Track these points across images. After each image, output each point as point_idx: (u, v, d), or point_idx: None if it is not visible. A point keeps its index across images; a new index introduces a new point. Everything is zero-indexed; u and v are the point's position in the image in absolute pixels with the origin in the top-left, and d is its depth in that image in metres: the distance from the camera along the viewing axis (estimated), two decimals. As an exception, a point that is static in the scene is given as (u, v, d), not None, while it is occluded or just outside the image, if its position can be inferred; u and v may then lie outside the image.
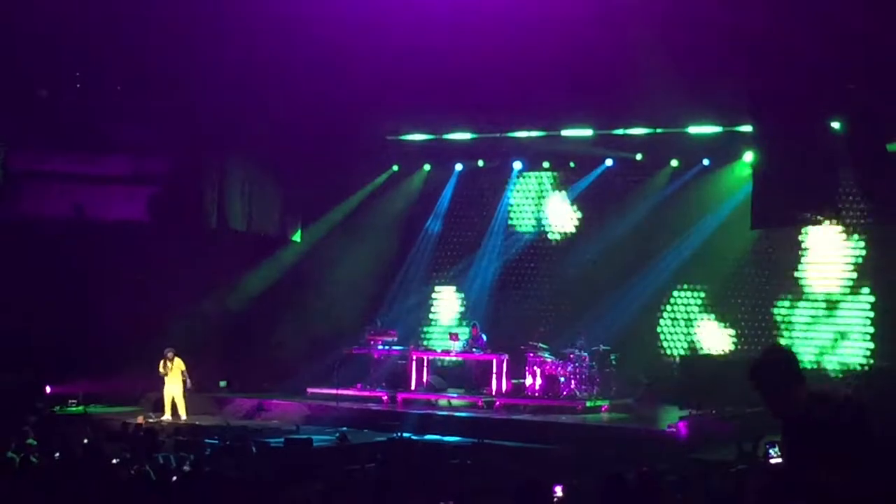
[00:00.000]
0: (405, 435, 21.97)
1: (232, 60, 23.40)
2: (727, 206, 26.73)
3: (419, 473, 16.44)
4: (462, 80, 23.43)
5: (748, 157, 25.16)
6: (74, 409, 26.18)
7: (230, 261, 28.50)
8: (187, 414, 25.46)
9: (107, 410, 26.30)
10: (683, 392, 23.27)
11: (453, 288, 30.42)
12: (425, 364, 27.06)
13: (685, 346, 27.41)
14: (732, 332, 26.80)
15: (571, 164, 28.92)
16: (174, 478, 14.29)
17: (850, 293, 25.51)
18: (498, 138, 28.69)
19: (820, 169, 21.99)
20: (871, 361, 24.44)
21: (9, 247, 26.19)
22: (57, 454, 16.20)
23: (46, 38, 23.20)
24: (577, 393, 25.44)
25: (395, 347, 27.57)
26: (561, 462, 18.08)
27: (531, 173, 29.84)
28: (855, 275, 25.49)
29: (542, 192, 29.84)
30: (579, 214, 29.21)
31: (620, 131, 27.28)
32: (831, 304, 25.72)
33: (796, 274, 26.17)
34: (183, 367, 25.56)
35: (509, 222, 30.00)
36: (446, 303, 30.58)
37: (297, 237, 30.51)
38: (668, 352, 27.54)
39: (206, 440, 20.38)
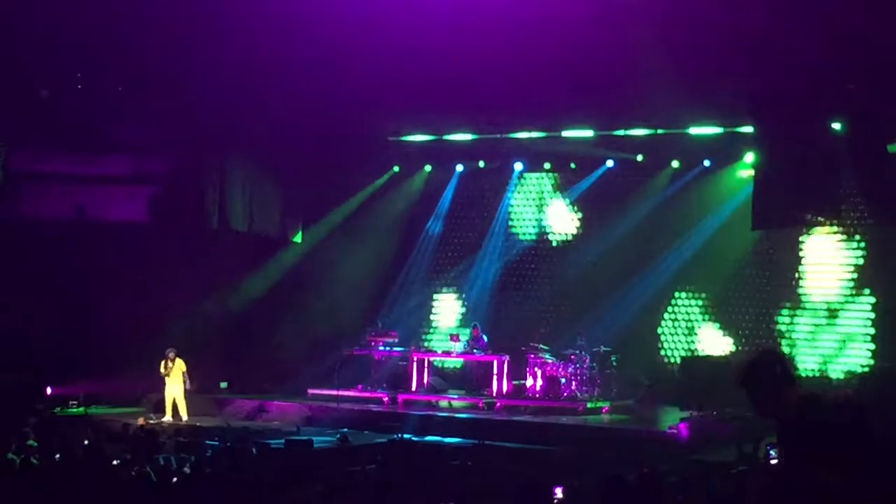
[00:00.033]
0: (406, 436, 21.96)
1: (232, 60, 23.38)
2: (728, 207, 26.72)
3: (420, 475, 16.43)
4: (462, 80, 23.41)
5: (749, 157, 25.15)
6: (75, 410, 26.19)
7: (231, 261, 28.50)
8: (188, 415, 25.46)
9: (107, 411, 26.30)
10: (684, 393, 23.24)
11: (454, 295, 30.32)
12: (426, 365, 27.05)
13: (686, 348, 27.36)
14: (733, 333, 26.76)
15: (572, 165, 28.90)
16: (175, 479, 14.28)
17: (851, 295, 25.47)
18: (499, 139, 28.69)
19: (821, 170, 21.98)
20: (872, 362, 24.41)
21: (9, 247, 26.18)
22: (57, 455, 16.18)
23: (46, 38, 23.18)
24: (578, 394, 25.43)
25: (395, 349, 27.56)
26: (562, 463, 18.06)
27: (532, 175, 29.79)
28: (855, 276, 25.46)
29: (542, 195, 29.78)
30: (580, 216, 29.19)
31: (621, 132, 27.27)
32: (833, 309, 25.68)
33: (797, 276, 26.15)
34: (184, 368, 25.57)
35: (510, 229, 29.95)
36: (447, 309, 30.51)
37: (297, 238, 30.48)
38: (669, 357, 27.47)
39: (207, 441, 20.36)
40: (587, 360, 25.65)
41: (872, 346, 24.87)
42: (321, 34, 21.96)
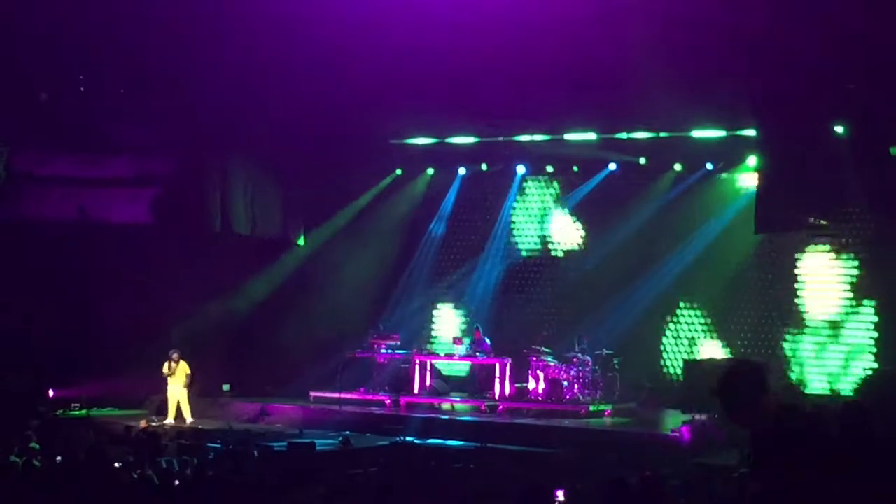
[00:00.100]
0: (408, 439, 21.99)
1: (232, 60, 23.38)
2: (730, 210, 26.69)
3: (422, 477, 16.45)
4: (463, 81, 23.40)
5: (752, 161, 25.13)
6: (77, 412, 26.18)
7: (233, 264, 28.46)
8: (191, 417, 25.47)
9: (110, 413, 26.31)
10: (686, 396, 23.22)
11: (456, 299, 30.24)
12: (428, 368, 27.03)
13: (688, 351, 27.31)
14: (736, 336, 26.70)
15: (575, 169, 28.86)
16: (177, 482, 14.28)
17: (853, 305, 25.43)
18: (501, 142, 28.66)
19: (823, 173, 21.96)
20: (875, 365, 24.39)
21: (11, 248, 26.17)
22: (59, 458, 16.18)
23: (47, 38, 23.18)
24: (581, 397, 25.42)
25: (398, 351, 27.55)
26: (564, 466, 18.07)
27: (534, 182, 29.70)
28: (854, 281, 25.40)
29: (545, 200, 29.69)
30: (582, 219, 29.09)
31: (624, 135, 27.23)
32: (835, 318, 25.65)
33: (800, 280, 26.12)
34: (188, 371, 25.56)
35: (512, 233, 29.88)
36: (448, 312, 30.45)
37: (301, 241, 30.47)
38: (671, 360, 27.42)
39: (209, 444, 20.36)
40: (589, 363, 25.64)
41: (875, 350, 24.84)
42: (321, 34, 21.95)
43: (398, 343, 27.66)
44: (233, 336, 28.47)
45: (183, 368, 25.55)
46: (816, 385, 25.38)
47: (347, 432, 23.04)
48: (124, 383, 26.81)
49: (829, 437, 7.83)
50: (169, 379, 25.58)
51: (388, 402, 26.49)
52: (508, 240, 29.85)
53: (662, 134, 26.77)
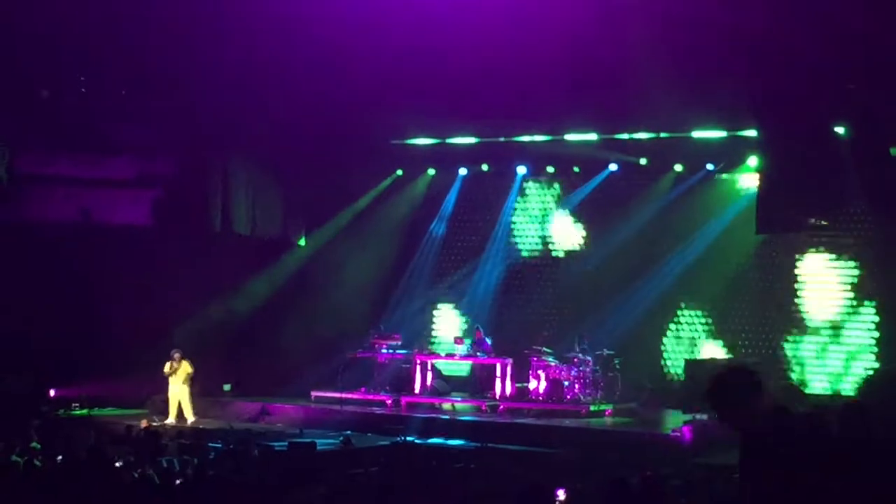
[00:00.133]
0: (409, 439, 21.98)
1: (232, 60, 23.40)
2: (731, 211, 26.69)
3: (423, 477, 16.45)
4: (464, 81, 23.42)
5: (752, 161, 25.12)
6: (78, 412, 26.19)
7: (234, 264, 28.48)
8: (193, 417, 25.47)
9: (111, 413, 26.32)
10: (687, 396, 23.22)
11: (456, 299, 30.21)
12: (429, 368, 27.03)
13: (689, 351, 27.30)
14: (737, 336, 26.70)
15: (576, 169, 28.85)
16: (178, 481, 14.29)
17: (854, 306, 25.44)
18: (502, 142, 28.66)
19: (825, 173, 21.96)
20: (876, 365, 24.40)
21: (13, 250, 26.19)
22: (60, 457, 16.19)
23: (47, 39, 23.20)
24: (581, 397, 25.42)
25: (399, 351, 27.54)
26: (565, 466, 18.07)
27: (534, 182, 29.68)
28: (856, 280, 25.41)
29: (545, 202, 29.68)
30: (583, 221, 29.05)
31: (625, 136, 27.23)
32: (836, 319, 25.67)
33: (799, 278, 26.13)
34: (190, 370, 25.56)
35: (513, 234, 29.87)
36: (449, 311, 30.43)
37: (302, 241, 30.49)
38: (672, 360, 27.41)
39: (210, 444, 20.36)
40: (590, 363, 25.64)
41: (876, 349, 24.85)
42: (321, 34, 21.98)
43: (399, 343, 27.66)
44: (234, 336, 28.47)
45: (185, 368, 25.55)
46: (817, 385, 25.39)
47: (348, 432, 23.05)
48: (125, 383, 26.81)
49: (828, 437, 7.84)
50: (170, 378, 25.58)
51: (388, 401, 26.49)
52: (509, 240, 29.83)
53: (663, 134, 26.77)
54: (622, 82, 22.41)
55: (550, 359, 25.79)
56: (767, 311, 26.42)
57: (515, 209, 29.81)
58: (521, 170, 29.41)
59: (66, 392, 26.79)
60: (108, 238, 26.92)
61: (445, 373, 27.59)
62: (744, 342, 26.56)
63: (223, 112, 25.85)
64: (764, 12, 19.80)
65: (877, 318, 25.00)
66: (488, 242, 29.83)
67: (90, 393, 26.75)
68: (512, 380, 26.13)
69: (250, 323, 28.89)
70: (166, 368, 25.54)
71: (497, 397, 26.02)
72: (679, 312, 27.49)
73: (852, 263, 25.50)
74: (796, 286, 26.13)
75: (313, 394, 26.94)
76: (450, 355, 27.60)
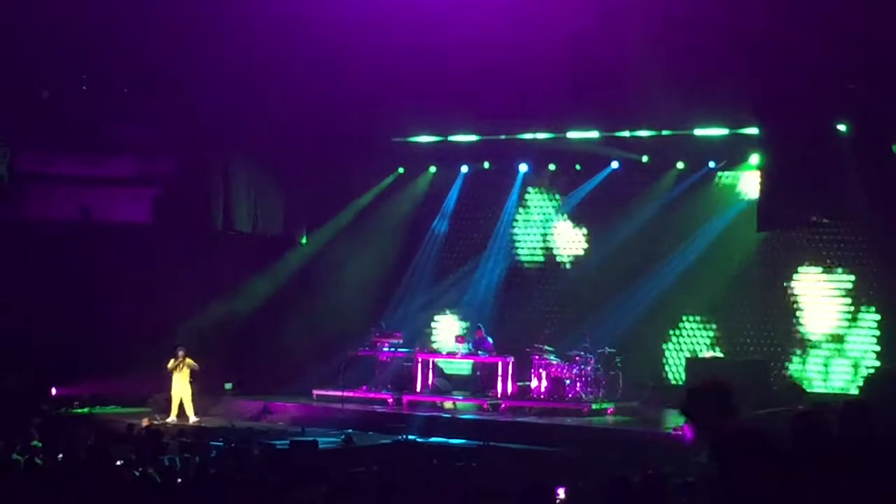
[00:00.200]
0: (410, 437, 21.99)
1: (232, 60, 23.43)
2: (733, 208, 26.69)
3: (424, 476, 16.45)
4: (464, 80, 23.44)
5: (754, 159, 25.10)
6: (79, 410, 26.20)
7: (235, 263, 28.51)
8: (195, 416, 25.48)
9: (112, 411, 26.33)
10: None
11: (458, 297, 30.16)
12: (431, 366, 27.03)
13: (691, 350, 27.28)
14: (738, 335, 26.67)
15: (577, 167, 28.84)
16: (179, 480, 14.29)
17: (855, 302, 25.45)
18: (503, 140, 28.65)
19: (826, 171, 21.96)
20: (877, 364, 24.40)
21: (14, 248, 26.22)
22: (61, 456, 16.19)
23: (48, 38, 23.22)
24: (583, 395, 25.42)
25: (400, 349, 27.54)
26: (566, 465, 18.05)
27: (536, 180, 29.63)
28: (859, 270, 25.42)
29: (547, 205, 29.63)
30: (585, 219, 28.97)
31: (626, 133, 27.23)
32: (837, 316, 25.66)
33: (801, 277, 26.12)
34: (194, 367, 25.54)
35: (514, 237, 29.86)
36: (450, 310, 30.38)
37: (303, 241, 30.52)
38: (672, 363, 27.39)
39: (212, 442, 20.37)
40: (592, 362, 25.63)
41: (877, 348, 24.85)
42: (321, 34, 22.01)
43: (401, 341, 27.67)
44: (235, 335, 28.50)
45: (188, 365, 25.53)
46: (818, 383, 25.40)
47: (350, 430, 23.06)
48: (126, 382, 26.83)
49: (828, 435, 7.84)
50: (173, 375, 25.58)
51: (390, 400, 26.51)
52: (511, 238, 29.82)
53: (665, 132, 26.78)
54: (623, 81, 22.44)
55: (552, 357, 25.79)
56: (769, 310, 26.40)
57: (517, 207, 29.75)
58: (523, 167, 29.39)
59: (67, 390, 26.81)
60: (108, 236, 26.97)
61: (447, 371, 27.56)
62: (745, 340, 26.54)
63: (223, 112, 25.88)
64: (764, 12, 19.82)
65: (878, 317, 24.99)
66: (490, 240, 29.81)
67: (91, 391, 26.80)
68: (513, 378, 26.14)
69: (251, 322, 28.93)
70: (170, 364, 25.54)
71: (498, 396, 26.03)
72: (680, 311, 27.44)
73: (853, 261, 25.47)
74: (797, 286, 26.11)
75: (315, 392, 26.96)
76: (451, 354, 27.56)
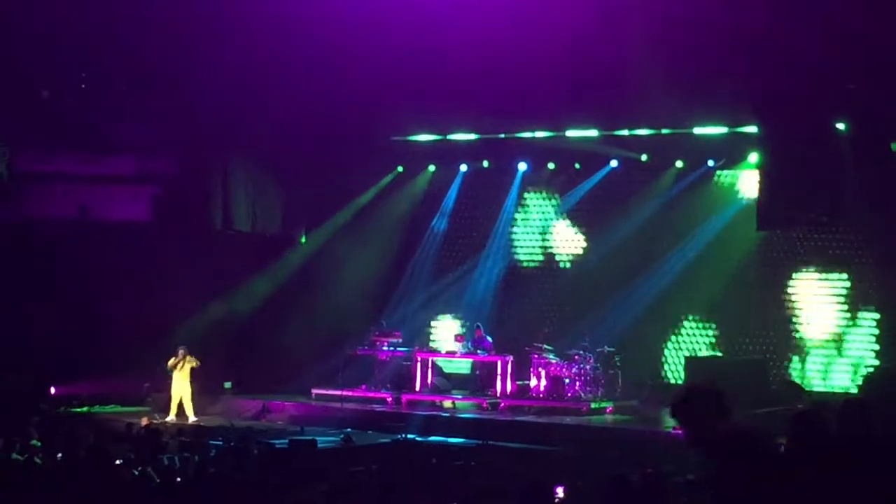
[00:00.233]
0: (410, 436, 22.00)
1: (232, 60, 23.44)
2: (732, 207, 26.70)
3: (423, 475, 16.46)
4: (463, 79, 23.45)
5: (753, 158, 25.11)
6: (78, 409, 26.20)
7: (234, 262, 28.52)
8: (194, 416, 25.48)
9: (112, 410, 26.33)
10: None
11: (457, 296, 30.13)
12: (430, 365, 27.03)
13: (690, 349, 27.29)
14: (737, 334, 26.67)
15: (577, 166, 28.84)
16: (178, 479, 14.30)
17: (855, 300, 25.46)
18: (502, 139, 28.64)
19: (825, 170, 21.97)
20: (876, 362, 24.41)
21: (14, 247, 26.22)
22: (60, 455, 16.20)
23: (47, 38, 23.22)
24: (582, 394, 25.44)
25: (399, 348, 27.54)
26: (565, 464, 18.08)
27: (535, 179, 29.62)
28: (858, 268, 25.44)
29: (546, 204, 29.62)
30: (583, 217, 28.98)
31: (625, 132, 27.23)
32: (836, 314, 25.68)
33: (800, 277, 26.13)
34: (194, 365, 25.53)
35: (513, 236, 29.86)
36: (450, 310, 30.37)
37: (303, 240, 30.53)
38: (671, 361, 27.40)
39: (211, 441, 20.38)
40: (591, 361, 25.64)
41: (877, 347, 24.86)
42: (321, 34, 22.01)
43: (400, 340, 27.67)
44: (234, 334, 28.50)
45: (189, 363, 25.52)
46: (817, 382, 25.41)
47: (349, 430, 23.06)
48: (126, 381, 26.86)
49: (826, 434, 7.86)
50: (174, 374, 25.57)
51: (389, 399, 26.52)
52: (510, 237, 29.82)
53: (664, 131, 26.78)
54: (622, 81, 22.44)
55: (551, 356, 25.80)
56: (768, 309, 26.40)
57: (516, 206, 29.73)
58: (522, 166, 29.39)
59: (67, 389, 26.80)
60: (107, 235, 26.98)
61: (446, 370, 27.56)
62: (744, 339, 26.53)
63: (223, 112, 25.88)
64: (764, 12, 19.82)
65: (877, 316, 25.00)
66: (489, 239, 29.81)
67: (90, 390, 26.79)
68: (512, 377, 26.15)
69: (251, 321, 28.94)
70: (170, 363, 25.54)
71: (498, 395, 26.04)
72: (679, 309, 27.44)
73: (853, 261, 25.48)
74: (796, 285, 26.12)
75: (314, 391, 26.96)
76: (450, 353, 27.58)
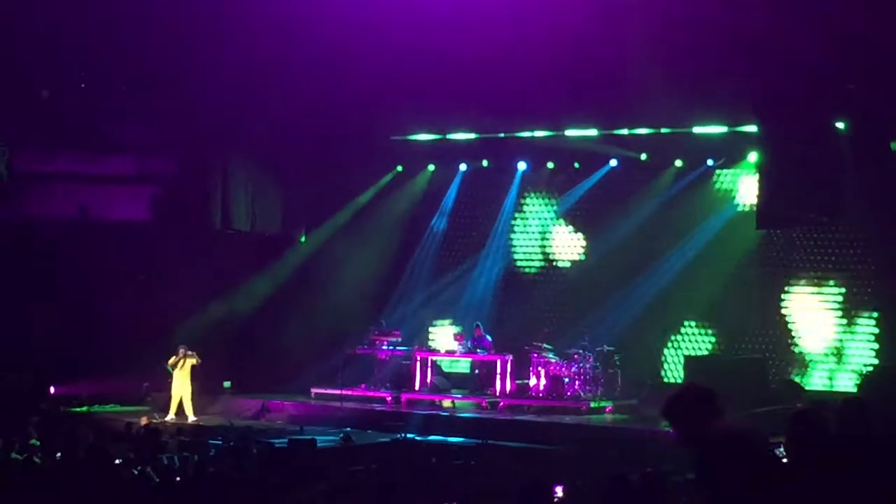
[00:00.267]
0: (409, 436, 22.00)
1: (232, 60, 23.44)
2: (732, 206, 26.72)
3: (423, 474, 16.46)
4: (463, 79, 23.45)
5: (753, 157, 25.12)
6: (78, 409, 26.19)
7: (234, 261, 28.52)
8: (194, 416, 25.47)
9: (111, 410, 26.32)
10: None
11: (456, 295, 30.11)
12: (429, 364, 27.04)
13: (690, 348, 27.29)
14: (737, 333, 26.66)
15: (576, 165, 28.85)
16: (178, 478, 14.30)
17: (855, 299, 25.48)
18: (502, 138, 28.65)
19: (825, 169, 21.97)
20: (876, 362, 24.41)
21: (14, 247, 26.22)
22: (60, 455, 16.20)
23: (47, 38, 23.22)
24: (582, 394, 25.44)
25: (399, 348, 27.55)
26: (565, 463, 18.08)
27: (535, 178, 29.62)
28: (858, 267, 25.45)
29: (546, 203, 29.61)
30: (583, 217, 28.98)
31: (625, 131, 27.24)
32: (836, 312, 25.69)
33: (800, 276, 26.14)
34: (195, 362, 25.50)
35: (513, 235, 29.85)
36: (449, 309, 30.35)
37: (302, 240, 30.54)
38: (671, 361, 27.39)
39: (210, 440, 20.39)
40: (590, 360, 25.65)
41: (876, 346, 24.87)
42: (321, 34, 22.01)
43: (399, 339, 27.67)
44: (234, 333, 28.50)
45: (190, 363, 25.50)
46: (816, 381, 25.42)
47: (348, 429, 23.06)
48: (126, 380, 26.86)
49: (826, 433, 7.85)
50: (175, 373, 25.55)
51: (389, 398, 26.53)
52: (509, 236, 29.83)
53: (663, 130, 26.79)
54: (622, 80, 22.43)
55: (550, 355, 25.81)
56: (768, 308, 26.40)
57: (516, 206, 29.73)
58: (522, 165, 29.40)
59: (66, 389, 26.79)
60: (107, 235, 26.97)
61: (445, 369, 27.57)
62: (744, 338, 26.54)
63: (223, 112, 25.89)
64: (764, 12, 19.82)
65: (876, 315, 25.00)
66: (489, 239, 29.82)
67: (90, 390, 26.77)
68: (512, 376, 26.15)
69: (250, 320, 28.94)
70: (171, 361, 25.53)
71: (497, 394, 26.04)
72: (679, 309, 27.43)
73: (852, 260, 25.49)
74: (796, 283, 26.12)
75: (313, 391, 26.97)
76: (450, 352, 27.59)
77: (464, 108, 25.86)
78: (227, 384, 28.30)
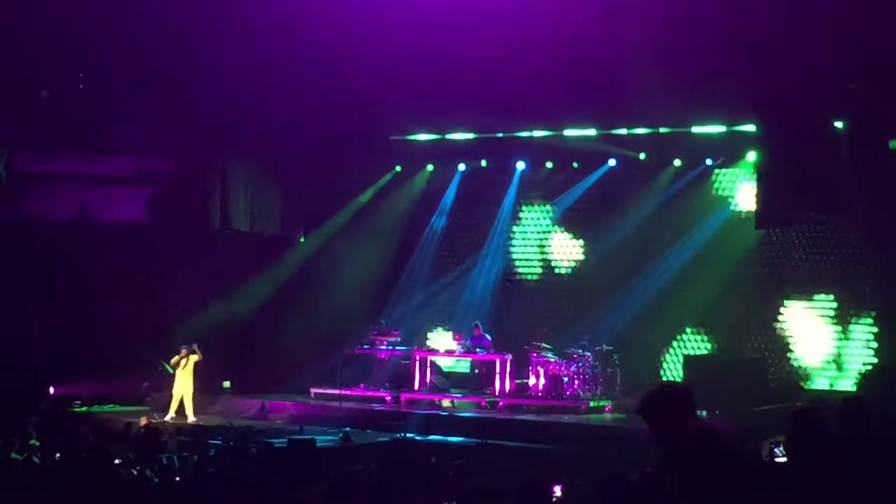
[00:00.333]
0: (409, 435, 22.00)
1: (232, 60, 23.44)
2: (731, 206, 26.74)
3: (423, 474, 16.47)
4: (463, 79, 23.45)
5: (752, 156, 25.14)
6: (77, 409, 26.19)
7: (233, 262, 28.53)
8: (194, 416, 25.46)
9: (111, 410, 26.32)
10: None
11: (456, 295, 30.07)
12: (429, 364, 27.05)
13: (689, 347, 27.30)
14: (736, 332, 26.67)
15: (575, 165, 28.86)
16: (177, 478, 14.31)
17: (854, 298, 25.48)
18: (501, 138, 28.66)
19: (824, 168, 21.98)
20: (875, 360, 24.42)
21: (14, 247, 26.23)
22: (59, 455, 16.20)
23: (47, 38, 23.22)
24: (581, 393, 25.45)
25: (398, 347, 27.56)
26: (564, 462, 18.08)
27: (534, 177, 29.62)
28: (857, 266, 25.46)
29: (545, 203, 29.60)
30: (582, 217, 29.00)
31: (623, 131, 27.25)
32: (836, 311, 25.69)
33: (800, 275, 26.14)
34: (196, 359, 25.48)
35: (512, 235, 29.85)
36: (448, 308, 30.33)
37: (302, 240, 30.55)
38: (670, 360, 27.39)
39: (210, 440, 20.39)
40: (590, 359, 25.66)
41: (875, 345, 24.87)
42: (321, 34, 22.00)
43: (398, 339, 27.69)
44: (233, 333, 28.49)
45: (192, 362, 25.48)
46: (815, 380, 25.43)
47: (348, 429, 23.05)
48: (125, 380, 26.86)
49: (826, 432, 7.86)
50: (177, 372, 25.54)
51: (388, 398, 26.53)
52: (508, 236, 29.84)
53: (662, 129, 26.80)
54: (621, 80, 22.44)
55: (550, 355, 25.82)
56: (767, 307, 26.41)
57: (515, 205, 29.73)
58: (520, 165, 29.42)
59: (66, 389, 26.79)
60: (107, 235, 26.98)
61: (445, 369, 27.58)
62: (743, 337, 26.55)
63: (223, 112, 25.89)
64: (764, 12, 19.82)
65: (875, 313, 25.00)
66: (488, 238, 29.83)
67: (89, 390, 26.77)
68: (511, 376, 26.17)
69: (250, 320, 28.94)
70: (173, 361, 25.52)
71: (496, 394, 26.04)
72: (678, 308, 27.42)
73: (851, 258, 25.50)
74: (795, 282, 26.13)
75: (313, 390, 26.97)
76: (449, 352, 27.60)
77: (463, 108, 25.86)
78: (226, 384, 28.31)
